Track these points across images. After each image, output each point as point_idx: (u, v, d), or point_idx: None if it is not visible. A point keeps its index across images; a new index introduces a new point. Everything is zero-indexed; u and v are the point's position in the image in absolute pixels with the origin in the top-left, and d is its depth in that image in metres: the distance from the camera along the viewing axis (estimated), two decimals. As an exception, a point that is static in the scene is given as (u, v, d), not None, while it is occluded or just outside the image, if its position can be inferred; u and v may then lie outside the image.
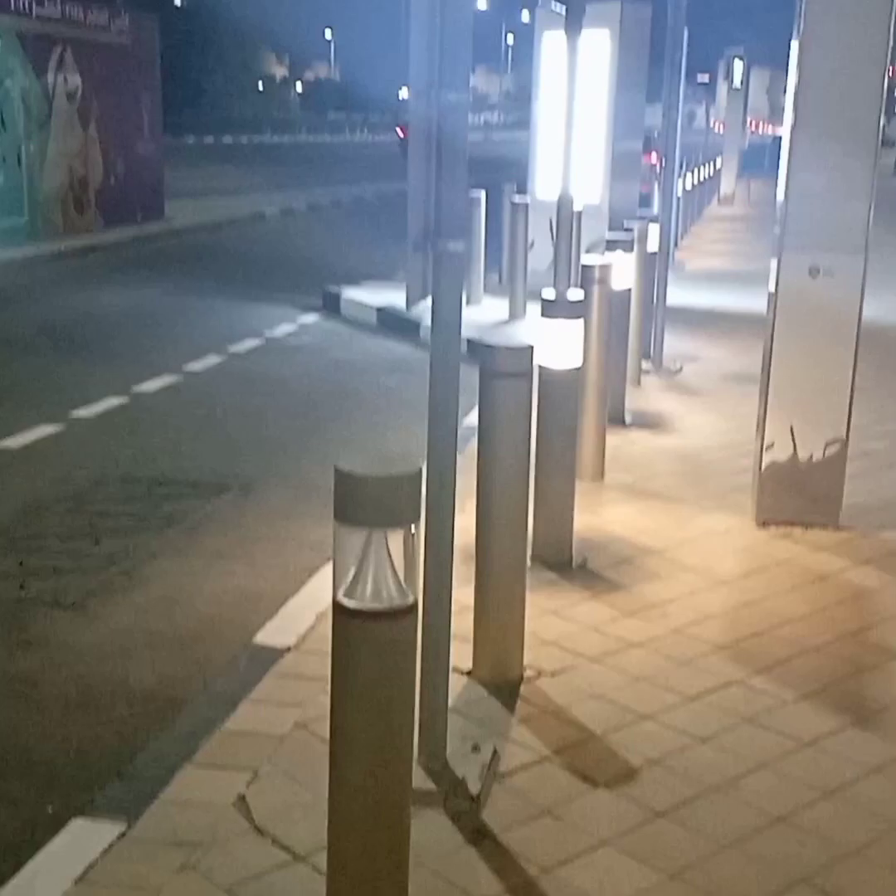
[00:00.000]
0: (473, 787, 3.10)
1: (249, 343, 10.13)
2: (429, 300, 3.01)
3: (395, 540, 2.26)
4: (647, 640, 4.09)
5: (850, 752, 3.40)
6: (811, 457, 5.18)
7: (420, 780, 3.02)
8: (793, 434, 5.17)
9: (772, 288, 5.18)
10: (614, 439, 6.34)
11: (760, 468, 5.25)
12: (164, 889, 2.70)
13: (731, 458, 6.34)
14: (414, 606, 2.33)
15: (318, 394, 8.40)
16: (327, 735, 2.38)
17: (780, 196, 5.11)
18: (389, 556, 2.26)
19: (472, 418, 5.27)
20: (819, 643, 4.11)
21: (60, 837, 2.93)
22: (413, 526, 2.29)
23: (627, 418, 7.08)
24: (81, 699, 3.84)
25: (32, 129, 16.23)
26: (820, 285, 5.03)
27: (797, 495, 5.21)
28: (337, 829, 2.38)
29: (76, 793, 3.23)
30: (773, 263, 5.15)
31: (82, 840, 2.89)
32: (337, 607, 2.30)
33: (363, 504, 2.25)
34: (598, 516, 5.35)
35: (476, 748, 3.28)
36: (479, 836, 2.94)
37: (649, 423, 7.14)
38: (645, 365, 8.47)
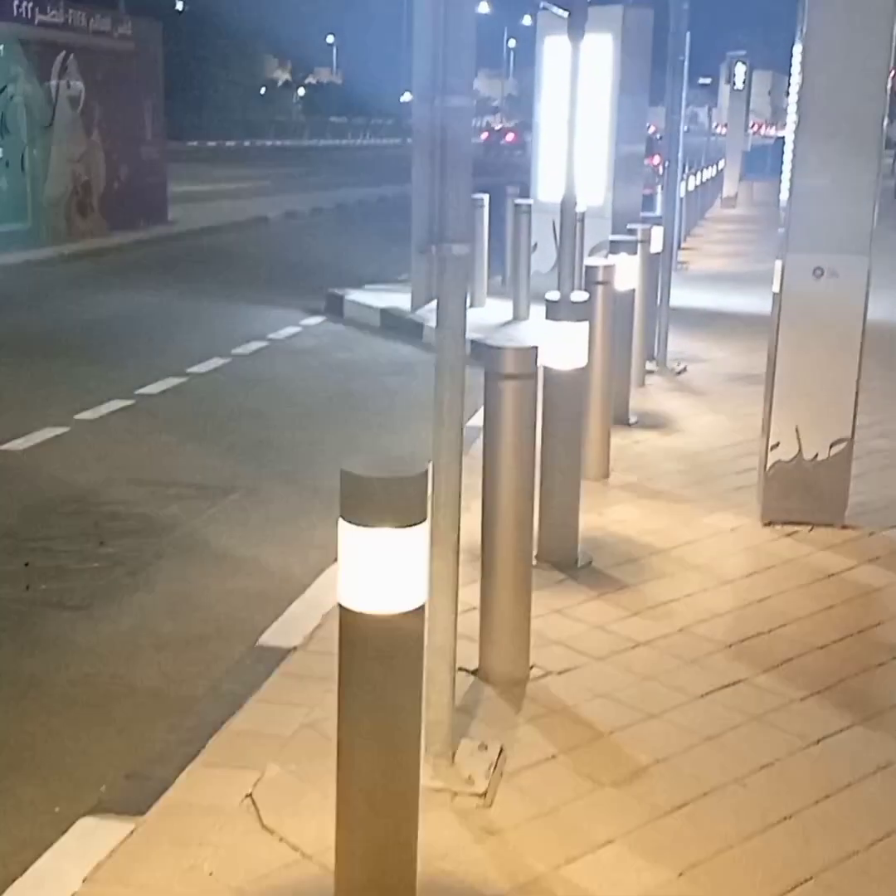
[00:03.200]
0: (480, 785, 3.10)
1: (253, 345, 10.14)
2: (433, 303, 3.02)
3: (402, 540, 2.26)
4: (653, 639, 4.10)
5: (857, 750, 3.40)
6: (816, 456, 5.18)
7: (427, 778, 3.02)
8: (798, 434, 5.17)
9: (776, 289, 5.18)
10: (619, 439, 6.34)
11: (766, 468, 5.25)
12: (173, 888, 2.70)
13: (736, 458, 6.34)
14: (420, 606, 2.33)
15: (322, 395, 8.41)
16: (334, 734, 2.38)
17: (784, 197, 5.11)
18: (396, 556, 2.27)
19: (476, 419, 5.28)
20: (825, 642, 4.11)
21: (68, 836, 2.93)
22: (419, 526, 2.29)
23: (632, 419, 7.08)
24: (88, 699, 3.84)
25: (36, 135, 16.27)
26: (824, 286, 5.03)
27: (803, 495, 5.22)
28: (345, 828, 2.39)
29: (83, 793, 3.24)
30: (778, 265, 5.15)
31: (90, 839, 2.90)
32: (343, 608, 2.30)
33: (369, 505, 2.26)
34: (603, 516, 5.35)
35: (483, 747, 3.28)
36: (487, 833, 2.95)
37: (654, 423, 7.14)
38: (649, 366, 8.49)
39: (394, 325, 10.95)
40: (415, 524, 2.28)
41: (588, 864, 2.84)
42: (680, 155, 9.75)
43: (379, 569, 2.27)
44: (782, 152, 5.32)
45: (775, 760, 3.32)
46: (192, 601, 4.66)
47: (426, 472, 2.31)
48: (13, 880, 2.77)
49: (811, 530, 5.19)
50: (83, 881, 2.73)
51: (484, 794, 3.08)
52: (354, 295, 12.05)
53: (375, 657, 2.30)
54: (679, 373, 8.72)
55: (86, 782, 3.32)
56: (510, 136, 60.54)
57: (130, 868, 2.78)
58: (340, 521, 2.28)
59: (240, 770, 3.19)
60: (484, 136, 55.96)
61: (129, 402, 7.96)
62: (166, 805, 3.03)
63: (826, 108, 4.91)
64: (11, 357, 9.42)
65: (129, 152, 18.73)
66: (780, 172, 5.23)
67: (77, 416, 7.49)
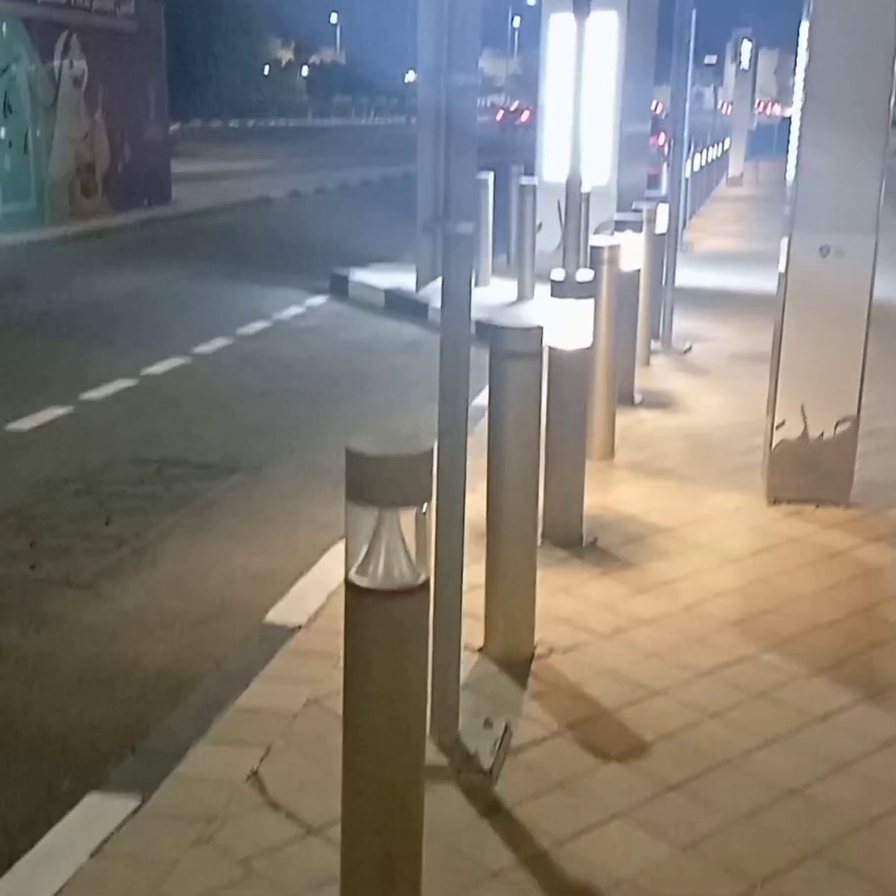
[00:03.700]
0: (486, 762, 3.11)
1: (258, 325, 10.14)
2: (438, 282, 3.01)
3: (407, 519, 2.26)
4: (658, 617, 4.10)
5: (862, 726, 3.41)
6: (822, 435, 5.17)
7: (433, 755, 3.03)
8: (803, 412, 5.16)
9: (782, 268, 5.16)
10: (624, 419, 6.34)
11: (771, 446, 5.25)
12: (179, 862, 2.72)
13: (741, 437, 6.33)
14: (425, 584, 2.33)
15: (326, 375, 8.41)
16: (339, 711, 2.39)
17: (790, 176, 5.09)
18: (401, 534, 2.27)
19: (481, 399, 5.26)
20: (830, 620, 4.12)
21: (75, 812, 2.95)
22: (425, 505, 2.29)
23: (637, 398, 7.08)
24: (94, 677, 3.86)
25: (39, 115, 16.23)
26: (830, 265, 5.01)
27: (808, 473, 5.21)
28: (351, 804, 2.39)
29: (90, 769, 3.25)
30: (784, 243, 5.13)
31: (97, 815, 2.91)
32: (349, 586, 2.30)
33: (375, 483, 2.25)
34: (608, 495, 5.35)
35: (488, 724, 3.29)
36: (492, 809, 2.96)
37: (659, 402, 7.13)
38: (654, 345, 8.48)
39: (398, 304, 10.93)
40: (420, 502, 2.28)
41: (593, 840, 2.85)
42: (685, 134, 9.71)
43: (384, 547, 2.27)
44: (788, 131, 5.30)
45: (780, 737, 3.33)
46: (198, 580, 4.67)
47: (432, 450, 2.30)
48: (21, 855, 2.78)
49: (816, 509, 5.19)
50: (90, 856, 2.74)
51: (489, 771, 3.09)
52: (359, 275, 12.03)
53: (381, 635, 2.30)
54: (684, 352, 8.71)
55: (93, 758, 3.34)
56: (526, 115, 60.24)
57: (137, 843, 2.80)
58: (346, 499, 2.28)
59: (246, 746, 3.21)
60: (499, 115, 55.61)
61: (133, 382, 7.96)
62: (173, 781, 3.05)
63: (833, 87, 4.88)
64: (16, 337, 9.42)
65: (132, 132, 18.69)
66: (787, 152, 5.21)
67: (82, 396, 7.49)
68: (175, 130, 34.54)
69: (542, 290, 5.77)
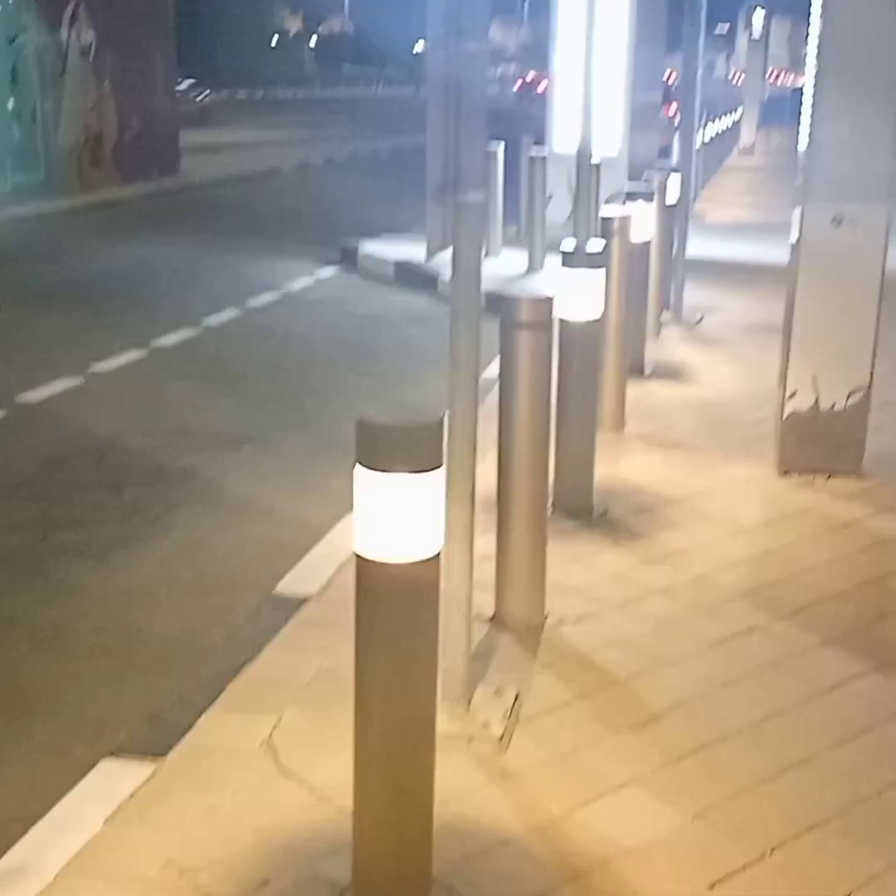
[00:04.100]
0: (496, 730, 3.13)
1: (267, 297, 10.12)
2: (448, 251, 3.00)
3: (418, 487, 2.26)
4: (668, 587, 4.11)
5: (872, 696, 3.41)
6: (834, 405, 5.16)
7: (443, 723, 3.04)
8: (815, 383, 5.15)
9: (794, 238, 5.14)
10: (634, 390, 6.32)
11: (783, 417, 5.24)
12: (193, 828, 2.74)
13: (752, 408, 6.32)
14: (436, 554, 2.34)
15: (336, 347, 8.40)
16: (350, 680, 2.40)
17: (803, 146, 5.06)
18: (412, 503, 2.27)
19: (491, 371, 5.26)
20: (841, 590, 4.12)
21: (89, 778, 2.97)
22: (435, 473, 2.29)
23: (647, 369, 7.06)
24: (107, 646, 3.88)
25: (47, 85, 16.16)
26: (843, 234, 4.98)
27: (819, 444, 5.20)
28: (362, 771, 2.41)
29: (104, 736, 3.27)
30: (796, 213, 5.10)
31: (111, 781, 2.94)
32: (360, 555, 2.31)
33: (385, 452, 2.26)
34: (618, 466, 5.35)
35: (499, 693, 3.31)
36: (503, 777, 2.97)
37: (669, 373, 7.12)
38: (665, 316, 8.45)
39: (408, 276, 10.90)
40: (431, 471, 2.28)
41: (603, 808, 2.86)
42: (697, 104, 9.64)
43: (395, 516, 2.27)
44: (801, 101, 5.26)
45: (791, 706, 3.34)
46: (209, 550, 4.69)
47: (442, 418, 2.30)
48: (36, 821, 2.81)
49: (828, 479, 5.18)
50: (104, 821, 2.77)
51: (500, 739, 3.11)
52: (368, 246, 11.99)
53: (392, 604, 2.31)
54: (695, 323, 8.68)
55: (106, 726, 3.36)
56: (543, 86, 59.73)
57: (151, 809, 2.82)
58: (356, 468, 2.28)
59: (258, 715, 3.23)
60: (518, 84, 55.08)
61: (143, 354, 7.96)
62: (186, 748, 3.07)
63: (846, 56, 4.84)
64: (26, 309, 9.42)
65: (140, 103, 18.61)
66: (799, 121, 5.17)
67: (92, 368, 7.50)
68: (207, 99, 34.81)
69: (553, 261, 5.76)
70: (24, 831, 2.77)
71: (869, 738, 3.20)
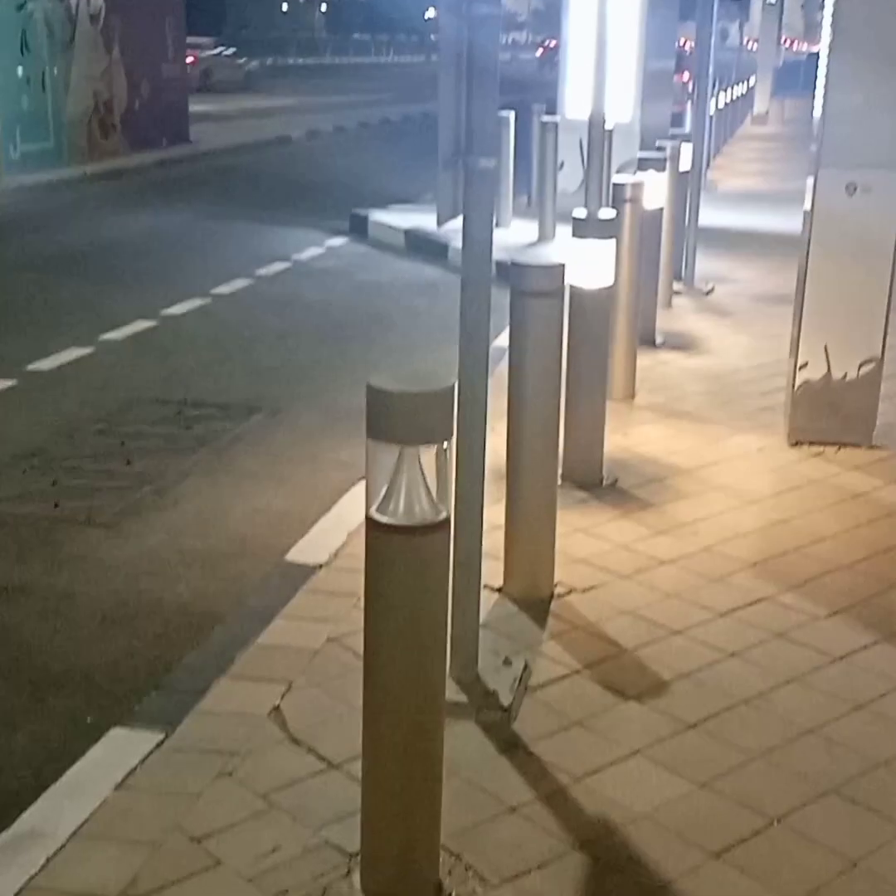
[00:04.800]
0: (505, 699, 3.14)
1: (277, 266, 10.09)
2: (459, 219, 2.98)
3: (428, 456, 2.26)
4: (677, 557, 4.10)
5: (881, 666, 3.41)
6: (845, 376, 5.13)
7: (452, 692, 3.05)
8: (827, 353, 5.12)
9: (807, 206, 5.09)
10: (645, 360, 6.30)
11: (793, 388, 5.21)
12: (202, 795, 2.76)
13: (763, 379, 6.30)
14: (446, 521, 2.33)
15: (346, 316, 8.38)
16: (360, 649, 2.40)
17: (817, 113, 5.01)
18: (422, 471, 2.26)
19: (501, 340, 5.25)
20: (851, 561, 4.11)
21: (100, 746, 2.99)
22: (445, 442, 2.28)
23: (658, 339, 7.03)
24: (117, 615, 3.89)
25: (56, 52, 16.08)
26: (857, 202, 4.94)
27: (830, 415, 5.18)
28: (371, 740, 2.42)
29: (114, 704, 3.30)
30: (809, 181, 5.06)
31: (122, 749, 2.95)
32: (370, 522, 2.31)
33: (396, 420, 2.25)
34: (628, 436, 5.34)
35: (507, 662, 3.31)
36: (511, 746, 2.98)
37: (680, 343, 7.09)
38: (676, 286, 8.40)
39: (418, 245, 10.86)
40: (441, 439, 2.27)
41: (611, 776, 2.87)
42: (710, 71, 9.56)
43: (405, 484, 2.27)
44: (815, 68, 5.20)
45: (799, 676, 3.34)
46: (219, 519, 4.69)
47: (452, 386, 2.29)
48: (46, 788, 2.83)
49: (838, 451, 5.16)
50: (115, 788, 2.78)
51: (508, 708, 3.12)
52: (378, 215, 11.94)
53: (401, 571, 2.31)
54: (706, 293, 8.63)
55: (116, 694, 3.38)
56: None
57: (161, 776, 2.84)
58: (367, 435, 2.28)
59: (268, 683, 3.24)
60: (539, 51, 54.54)
61: (153, 323, 7.95)
62: (196, 716, 3.08)
63: (861, 22, 4.78)
64: (36, 278, 9.41)
65: (149, 70, 18.52)
66: (813, 89, 5.12)
67: (102, 337, 7.50)
68: (248, 66, 35.82)
69: (564, 230, 5.73)
70: (36, 798, 2.78)
71: (877, 708, 3.20)
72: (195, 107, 21.13)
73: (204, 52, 33.41)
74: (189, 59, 34.02)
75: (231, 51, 36.83)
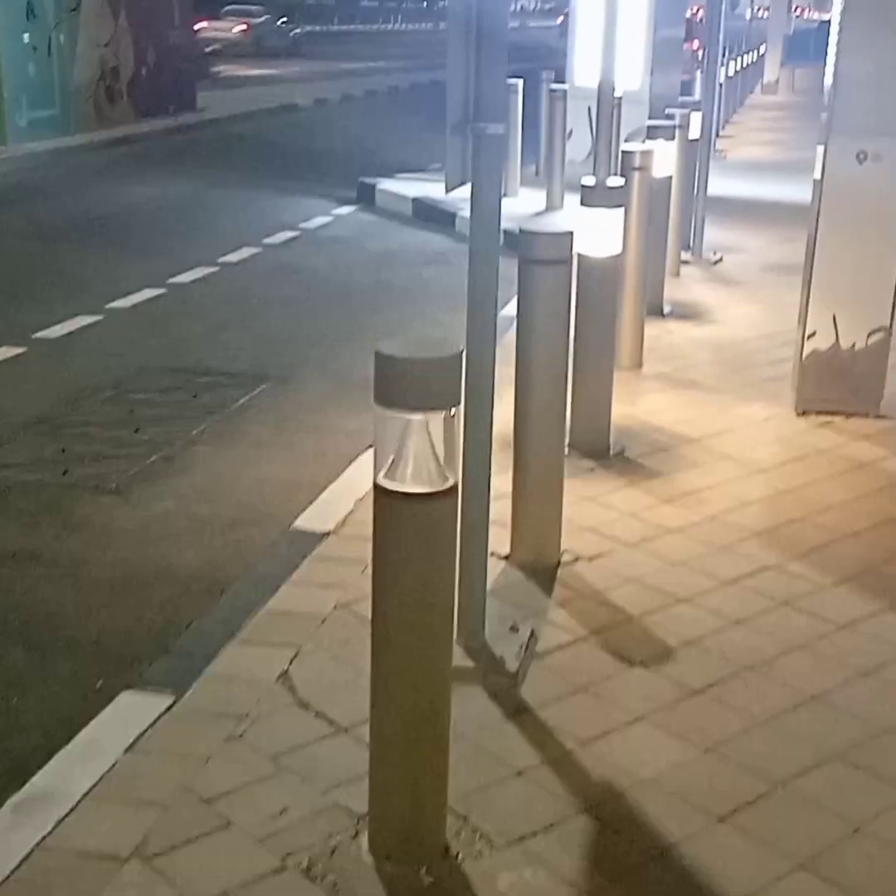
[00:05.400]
0: (512, 665, 3.16)
1: (284, 235, 10.07)
2: (467, 187, 2.97)
3: (436, 422, 2.26)
4: (684, 526, 4.11)
5: (886, 634, 3.43)
6: (853, 346, 5.12)
7: (460, 658, 3.07)
8: (835, 323, 5.11)
9: (817, 175, 5.07)
10: (652, 329, 6.29)
11: (802, 357, 5.21)
12: (211, 759, 2.78)
13: (771, 348, 6.29)
14: (453, 488, 2.34)
15: (353, 285, 8.37)
16: (367, 615, 2.42)
17: (828, 81, 4.97)
18: (429, 437, 2.27)
19: (509, 309, 5.24)
20: (857, 529, 4.12)
21: (110, 710, 3.02)
22: (453, 409, 2.29)
23: (666, 308, 7.02)
24: (126, 581, 3.92)
25: (62, 19, 15.98)
26: (867, 171, 4.92)
27: (838, 384, 5.17)
28: (379, 704, 2.44)
29: (124, 669, 3.32)
30: (820, 150, 5.03)
31: (131, 712, 2.98)
32: (378, 489, 2.32)
33: (404, 387, 2.25)
34: (635, 405, 5.34)
35: (514, 628, 3.33)
36: (517, 711, 3.00)
37: (688, 313, 7.07)
38: (684, 255, 8.37)
39: (426, 214, 10.83)
40: (449, 405, 2.27)
41: (617, 741, 2.89)
42: (720, 39, 9.48)
43: (413, 450, 2.27)
44: (826, 37, 5.17)
45: (804, 643, 3.35)
46: (227, 487, 4.71)
47: (460, 352, 2.29)
48: (57, 751, 2.85)
49: (846, 420, 5.16)
50: (124, 751, 2.81)
51: (515, 674, 3.14)
52: (386, 184, 11.90)
53: (409, 538, 2.32)
54: (715, 263, 8.60)
55: (126, 659, 3.40)
56: None
57: (170, 739, 2.87)
58: (374, 402, 2.28)
59: (276, 648, 3.26)
60: (560, 19, 54.19)
61: (161, 291, 7.95)
62: (205, 681, 3.10)
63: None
64: (43, 245, 9.41)
65: (156, 37, 18.42)
66: (824, 58, 5.08)
67: (109, 305, 7.50)
68: (297, 34, 36.88)
69: (572, 199, 5.71)
70: (47, 760, 2.81)
71: (882, 675, 3.21)
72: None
73: (255, 19, 35.07)
74: (243, 27, 35.06)
75: (280, 21, 37.89)
